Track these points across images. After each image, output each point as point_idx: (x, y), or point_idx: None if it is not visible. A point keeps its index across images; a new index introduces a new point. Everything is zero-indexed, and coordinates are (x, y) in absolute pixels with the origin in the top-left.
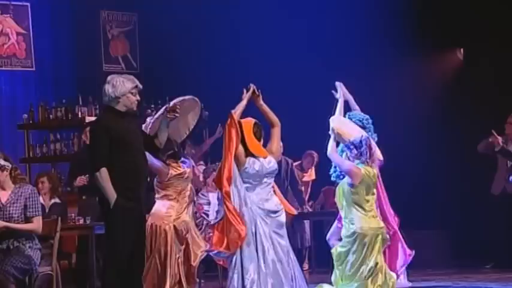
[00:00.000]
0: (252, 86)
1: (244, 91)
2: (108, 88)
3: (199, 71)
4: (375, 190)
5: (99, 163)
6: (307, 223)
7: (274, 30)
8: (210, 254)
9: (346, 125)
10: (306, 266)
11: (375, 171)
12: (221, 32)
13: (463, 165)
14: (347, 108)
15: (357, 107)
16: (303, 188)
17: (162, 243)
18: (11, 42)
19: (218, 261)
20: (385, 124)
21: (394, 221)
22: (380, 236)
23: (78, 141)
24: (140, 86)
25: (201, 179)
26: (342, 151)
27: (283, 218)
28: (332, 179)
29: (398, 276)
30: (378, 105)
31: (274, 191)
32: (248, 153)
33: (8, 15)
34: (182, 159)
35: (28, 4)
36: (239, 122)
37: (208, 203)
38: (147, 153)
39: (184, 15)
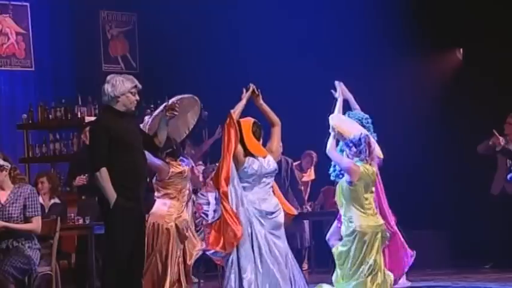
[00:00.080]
0: (252, 86)
1: (244, 91)
2: (107, 87)
3: (198, 71)
4: (373, 188)
5: (99, 163)
6: (306, 223)
7: (273, 30)
8: (207, 253)
9: (345, 123)
10: (305, 266)
11: (374, 169)
12: (221, 32)
13: (462, 165)
14: (347, 107)
15: (357, 106)
16: (302, 188)
17: (163, 242)
18: (11, 42)
19: (216, 260)
20: (385, 124)
21: (392, 220)
22: (379, 234)
23: (77, 141)
24: (139, 86)
25: (201, 179)
26: (341, 150)
27: (280, 219)
28: (331, 178)
29: (400, 278)
30: (377, 105)
31: (273, 191)
32: (247, 153)
33: (8, 15)
34: (181, 157)
35: (27, 4)
36: (238, 122)
37: (208, 203)
38: (146, 152)
39: (184, 15)
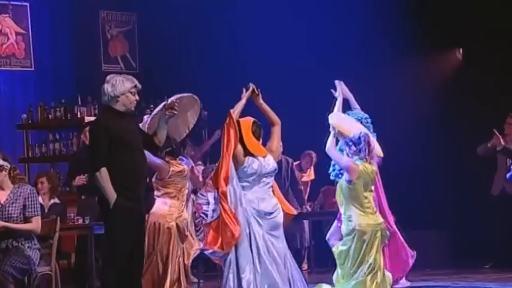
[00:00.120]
0: (251, 85)
1: (244, 90)
2: (107, 87)
3: (198, 71)
4: (373, 187)
5: (99, 163)
6: (306, 223)
7: (273, 30)
8: (205, 252)
9: (345, 121)
10: (305, 266)
11: (373, 168)
12: (220, 32)
13: (462, 165)
14: (347, 107)
15: (357, 106)
16: (302, 188)
17: (164, 241)
18: (10, 42)
19: (215, 260)
20: (385, 124)
21: (392, 219)
22: (379, 233)
23: (77, 141)
24: (139, 86)
25: (200, 179)
26: (340, 150)
27: (278, 219)
28: (331, 177)
29: (401, 278)
30: (377, 105)
31: (273, 191)
32: (247, 153)
33: (7, 15)
34: (180, 156)
35: (27, 4)
36: (238, 122)
37: (207, 203)
38: (145, 151)
39: (184, 15)
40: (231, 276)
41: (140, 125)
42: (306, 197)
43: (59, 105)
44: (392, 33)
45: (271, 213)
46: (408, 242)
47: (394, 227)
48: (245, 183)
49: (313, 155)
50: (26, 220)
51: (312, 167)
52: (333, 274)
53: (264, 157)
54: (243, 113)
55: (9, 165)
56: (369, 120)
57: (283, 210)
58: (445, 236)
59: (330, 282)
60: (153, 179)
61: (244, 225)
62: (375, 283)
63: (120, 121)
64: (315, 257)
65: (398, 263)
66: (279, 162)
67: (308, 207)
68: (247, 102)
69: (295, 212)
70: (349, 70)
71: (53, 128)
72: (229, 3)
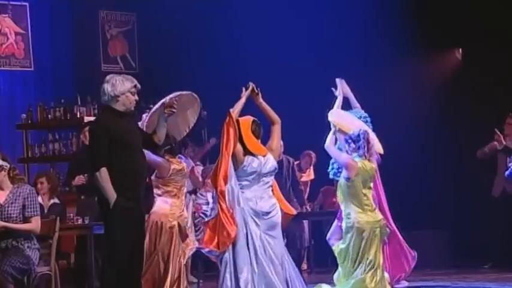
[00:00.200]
0: (251, 84)
1: (243, 89)
2: (107, 87)
3: (198, 71)
4: (372, 184)
5: (99, 163)
6: (306, 223)
7: (273, 30)
8: (202, 251)
9: (345, 118)
10: (304, 266)
11: (372, 165)
12: (220, 32)
13: (462, 165)
14: (347, 105)
15: (357, 105)
16: (303, 188)
17: (166, 241)
18: (10, 42)
19: (213, 259)
20: (384, 124)
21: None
22: (378, 230)
23: (76, 141)
24: (139, 86)
25: (200, 179)
26: (339, 149)
27: (276, 219)
28: (330, 176)
29: (403, 278)
30: (377, 105)
31: (273, 191)
32: (247, 152)
33: (7, 15)
34: (179, 155)
35: (27, 4)
36: (237, 121)
37: (207, 203)
38: (145, 150)
39: (183, 15)
40: (228, 275)
41: (139, 123)
42: (305, 197)
43: (58, 105)
44: (392, 33)
45: (268, 213)
46: (408, 242)
47: (394, 226)
48: (245, 182)
49: (313, 155)
50: (26, 220)
51: (312, 167)
52: (333, 274)
53: (264, 156)
54: (243, 112)
55: (8, 165)
56: (368, 119)
57: (282, 210)
58: (445, 236)
59: (330, 282)
60: (153, 177)
61: (241, 225)
62: (374, 281)
63: (120, 121)
64: (315, 257)
65: (397, 262)
66: (280, 162)
67: (308, 207)
68: (247, 102)
69: (294, 212)
70: (349, 70)
71: (53, 128)
72: (229, 3)
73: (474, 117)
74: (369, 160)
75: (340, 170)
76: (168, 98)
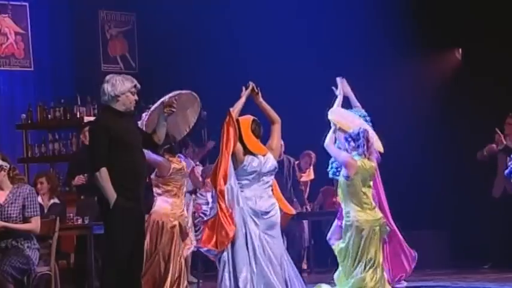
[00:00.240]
0: (251, 84)
1: (243, 89)
2: (107, 87)
3: (198, 71)
4: (371, 183)
5: (99, 163)
6: (305, 223)
7: (273, 30)
8: (201, 250)
9: (345, 117)
10: (304, 266)
11: (372, 163)
12: (220, 32)
13: (462, 165)
14: (348, 105)
15: (357, 104)
16: (304, 188)
17: (168, 240)
18: (10, 42)
19: (211, 258)
20: (384, 123)
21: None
22: (378, 228)
23: (76, 141)
24: (138, 86)
25: (200, 179)
26: (338, 148)
27: (275, 219)
28: (329, 176)
29: (402, 277)
30: (377, 105)
31: (272, 190)
32: (247, 151)
33: (7, 15)
34: (178, 154)
35: (26, 4)
36: (237, 120)
37: (207, 203)
38: (145, 150)
39: (183, 15)
40: (226, 274)
41: (139, 122)
42: (305, 197)
43: (58, 105)
44: (392, 33)
45: (267, 213)
46: (408, 242)
47: (394, 225)
48: (245, 181)
49: (312, 155)
50: (25, 220)
51: (311, 167)
52: (333, 274)
53: (264, 155)
54: (243, 111)
55: (8, 165)
56: (368, 118)
57: (281, 210)
58: (445, 236)
59: (330, 282)
60: (153, 176)
61: (240, 225)
62: (374, 279)
63: (120, 121)
64: (315, 257)
65: (398, 261)
66: (281, 162)
67: (308, 207)
68: (247, 101)
69: (293, 211)
70: (349, 70)
71: (53, 128)
72: (228, 3)
73: (474, 117)
74: (368, 159)
75: (338, 169)
76: (167, 96)
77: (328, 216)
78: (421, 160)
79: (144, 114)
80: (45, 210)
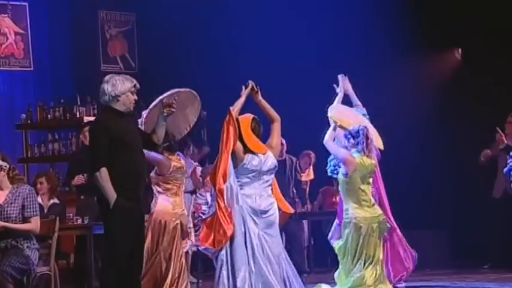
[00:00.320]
0: (251, 83)
1: (243, 88)
2: (107, 87)
3: (197, 71)
4: (371, 180)
5: (99, 163)
6: (305, 223)
7: (272, 29)
8: (199, 248)
9: (345, 114)
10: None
11: (372, 161)
12: (220, 32)
13: (462, 165)
14: (348, 103)
15: (358, 103)
16: (305, 187)
17: (169, 240)
18: (9, 42)
19: (210, 256)
20: (384, 124)
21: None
22: (376, 225)
23: (76, 141)
24: (138, 86)
25: (200, 179)
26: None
27: (274, 218)
28: (328, 173)
29: (403, 276)
30: (377, 105)
31: (272, 189)
32: (247, 150)
33: (6, 15)
34: (177, 152)
35: (26, 4)
36: (237, 119)
37: (207, 203)
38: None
39: (183, 15)
40: (224, 273)
41: (139, 120)
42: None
43: (58, 105)
44: (392, 33)
45: (266, 212)
46: (408, 242)
47: (394, 222)
48: (245, 179)
49: (312, 155)
50: (25, 220)
51: (311, 167)
52: (333, 274)
53: (264, 154)
54: (243, 110)
55: (8, 166)
56: (367, 117)
57: (280, 208)
58: (445, 236)
59: (330, 282)
60: (152, 174)
61: (239, 224)
62: (373, 276)
63: (120, 121)
64: (314, 257)
65: (399, 259)
66: (283, 161)
67: (308, 207)
68: (247, 100)
69: (292, 210)
70: (349, 70)
71: (52, 128)
72: (228, 3)
73: (474, 117)
74: (367, 156)
75: (336, 167)
76: (166, 94)
77: (328, 216)
78: (421, 160)
79: (143, 113)
80: (45, 210)
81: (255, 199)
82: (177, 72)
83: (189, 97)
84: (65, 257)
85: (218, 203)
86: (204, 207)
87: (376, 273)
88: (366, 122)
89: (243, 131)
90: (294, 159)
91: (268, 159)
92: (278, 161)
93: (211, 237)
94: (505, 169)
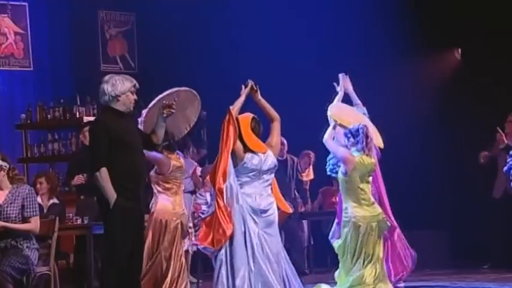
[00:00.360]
0: (250, 82)
1: (243, 87)
2: (107, 87)
3: (197, 71)
4: (370, 179)
5: (99, 163)
6: (305, 223)
7: (272, 29)
8: (198, 247)
9: (345, 112)
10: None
11: (371, 160)
12: (219, 32)
13: (462, 165)
14: (348, 102)
15: (358, 102)
16: (306, 187)
17: (170, 240)
18: (9, 42)
19: (210, 255)
20: (384, 123)
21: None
22: (375, 224)
23: (76, 141)
24: (137, 85)
25: (200, 180)
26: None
27: (273, 217)
28: (327, 172)
29: (403, 276)
30: (377, 105)
31: (271, 189)
32: (247, 149)
33: (6, 15)
34: (177, 151)
35: (26, 4)
36: (237, 119)
37: (206, 203)
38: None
39: (182, 15)
40: (223, 272)
41: (139, 119)
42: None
43: (57, 105)
44: (392, 33)
45: (266, 211)
46: (408, 242)
47: (395, 221)
48: (245, 179)
49: (312, 154)
50: (25, 220)
51: (311, 167)
52: (333, 273)
53: (264, 153)
54: (242, 109)
55: (8, 165)
56: (367, 116)
57: (279, 208)
58: (445, 236)
59: (329, 282)
60: (152, 173)
61: (239, 223)
62: (372, 275)
63: (120, 121)
64: (314, 257)
65: (399, 258)
66: (285, 161)
67: (309, 207)
68: (246, 99)
69: (290, 210)
70: (349, 70)
71: (52, 128)
72: (228, 3)
73: (474, 116)
74: (367, 155)
75: (335, 166)
76: (165, 93)
77: (328, 216)
78: (421, 160)
79: (143, 112)
80: (45, 210)
81: (255, 198)
82: (177, 72)
83: (189, 96)
84: (64, 257)
85: (218, 202)
86: (203, 207)
87: (375, 272)
88: (366, 121)
89: (243, 130)
90: (296, 159)
91: (268, 159)
92: (279, 161)
93: (210, 236)
94: (505, 168)
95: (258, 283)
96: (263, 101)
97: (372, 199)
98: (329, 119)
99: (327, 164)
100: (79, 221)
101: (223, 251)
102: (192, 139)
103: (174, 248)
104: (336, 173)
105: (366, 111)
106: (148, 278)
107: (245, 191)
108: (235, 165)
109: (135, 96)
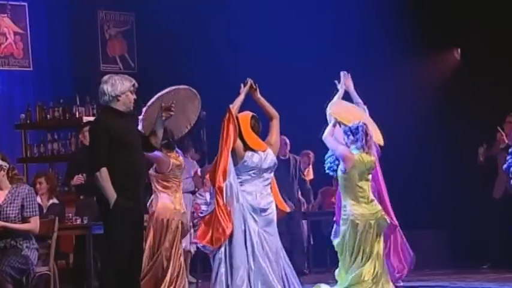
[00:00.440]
0: (249, 80)
1: (242, 86)
2: (106, 87)
3: (197, 70)
4: (369, 177)
5: (99, 163)
6: (305, 223)
7: (272, 29)
8: (198, 245)
9: (345, 109)
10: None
11: (371, 158)
12: (219, 32)
13: (462, 165)
14: (349, 101)
15: (359, 100)
16: (309, 187)
17: (171, 239)
18: (9, 42)
19: (209, 254)
20: (384, 123)
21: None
22: (373, 222)
23: (75, 141)
24: (137, 85)
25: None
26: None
27: (272, 216)
28: (326, 170)
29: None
30: (377, 104)
31: (271, 188)
32: (246, 147)
33: (6, 15)
34: (176, 150)
35: (25, 4)
36: (236, 117)
37: (206, 203)
38: None
39: (182, 15)
40: (223, 270)
41: (139, 118)
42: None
43: (57, 105)
44: (392, 33)
45: (265, 210)
46: (408, 242)
47: (396, 222)
48: (246, 177)
49: (311, 154)
50: (24, 220)
51: (310, 167)
52: (333, 273)
53: (263, 151)
54: (242, 108)
55: (7, 165)
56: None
57: (277, 207)
58: (445, 236)
59: (329, 282)
60: (152, 172)
61: (240, 222)
62: (371, 272)
63: (120, 121)
64: (314, 257)
65: (399, 256)
66: (287, 161)
67: (309, 207)
68: (246, 97)
69: (288, 209)
70: (349, 70)
71: (52, 128)
72: (228, 3)
73: (473, 116)
74: (367, 153)
75: (333, 164)
76: (165, 91)
77: (328, 216)
78: (421, 160)
79: (143, 110)
80: (44, 210)
81: (256, 196)
82: (177, 72)
83: (189, 96)
84: (64, 257)
85: (217, 201)
86: (203, 207)
87: (374, 270)
88: (366, 116)
89: (243, 128)
90: (298, 158)
91: (268, 157)
92: (282, 160)
93: (209, 234)
94: (504, 166)
95: (257, 282)
96: (262, 99)
97: (371, 197)
98: (328, 117)
99: (325, 162)
100: (78, 221)
101: (222, 249)
102: (191, 139)
103: (174, 248)
104: (334, 171)
105: (366, 110)
106: (149, 278)
107: (246, 189)
108: (235, 164)
109: (134, 96)
